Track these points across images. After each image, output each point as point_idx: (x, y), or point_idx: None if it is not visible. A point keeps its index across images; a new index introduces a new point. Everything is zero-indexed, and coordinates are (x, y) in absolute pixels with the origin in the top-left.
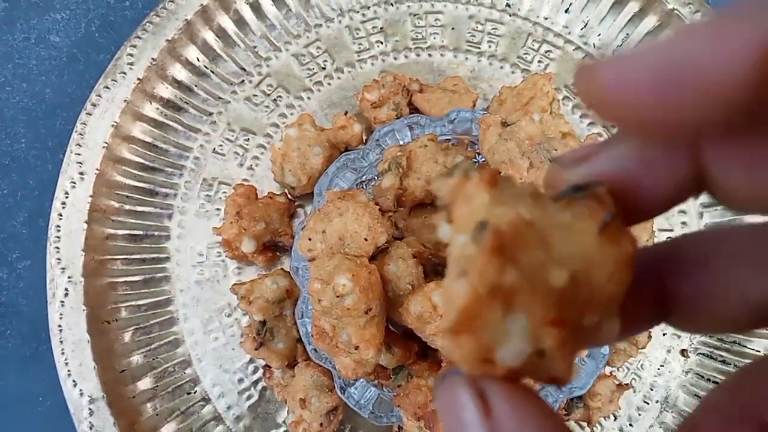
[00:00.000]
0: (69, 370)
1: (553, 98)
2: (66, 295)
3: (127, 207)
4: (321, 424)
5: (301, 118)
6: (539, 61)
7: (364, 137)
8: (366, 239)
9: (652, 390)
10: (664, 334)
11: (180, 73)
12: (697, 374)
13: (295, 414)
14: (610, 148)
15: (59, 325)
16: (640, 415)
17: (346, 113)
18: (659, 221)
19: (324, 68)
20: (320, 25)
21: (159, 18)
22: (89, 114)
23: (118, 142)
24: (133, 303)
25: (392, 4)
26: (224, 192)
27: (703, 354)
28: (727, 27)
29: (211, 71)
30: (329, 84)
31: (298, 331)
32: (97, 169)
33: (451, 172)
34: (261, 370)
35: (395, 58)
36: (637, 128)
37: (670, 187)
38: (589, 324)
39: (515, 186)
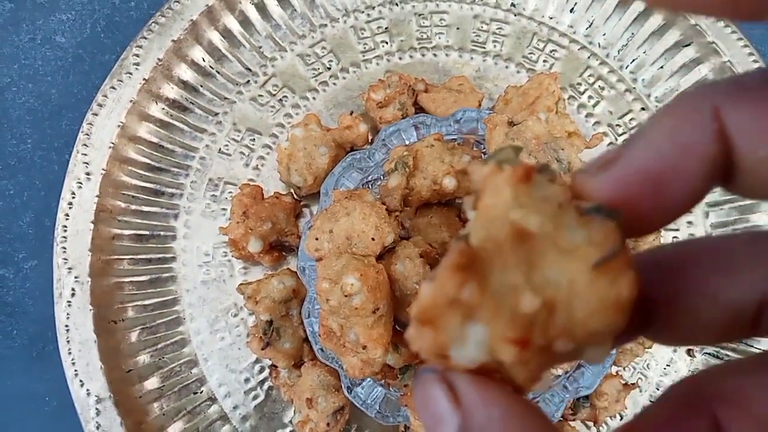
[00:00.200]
0: (76, 370)
1: (559, 97)
2: (73, 295)
3: (134, 207)
4: (328, 424)
5: (307, 118)
6: (544, 61)
7: (370, 137)
8: (373, 239)
9: (658, 389)
10: None
11: (186, 73)
12: None
13: (301, 414)
14: (638, 141)
15: (66, 325)
16: None
17: (351, 113)
18: None
19: (329, 68)
20: (325, 25)
21: (164, 18)
22: (95, 114)
23: (125, 143)
24: (139, 303)
25: (397, 4)
26: (230, 192)
27: (709, 353)
28: None
29: (217, 71)
30: (335, 84)
31: (304, 330)
32: (103, 170)
33: (490, 159)
34: (267, 370)
35: (400, 58)
36: None
37: (701, 171)
38: (564, 349)
39: (550, 187)
